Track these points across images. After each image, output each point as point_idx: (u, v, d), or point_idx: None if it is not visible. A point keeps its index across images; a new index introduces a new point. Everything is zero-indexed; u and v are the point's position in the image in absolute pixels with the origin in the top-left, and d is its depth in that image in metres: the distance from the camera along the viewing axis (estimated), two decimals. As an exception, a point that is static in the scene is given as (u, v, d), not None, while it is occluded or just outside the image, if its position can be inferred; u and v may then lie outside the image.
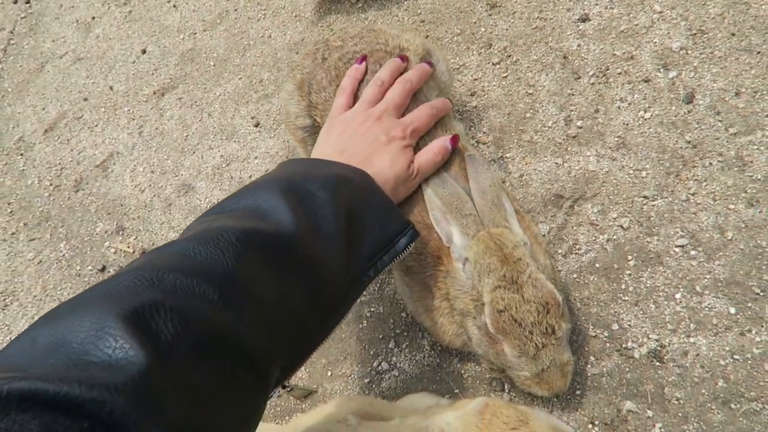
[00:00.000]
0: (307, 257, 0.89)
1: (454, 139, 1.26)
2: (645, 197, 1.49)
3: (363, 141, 1.16)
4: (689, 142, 1.53)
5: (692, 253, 1.40)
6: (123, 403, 0.55)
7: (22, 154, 2.37)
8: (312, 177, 0.98)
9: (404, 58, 1.36)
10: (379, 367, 1.49)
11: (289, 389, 1.01)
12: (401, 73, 1.32)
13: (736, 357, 1.28)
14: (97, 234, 2.02)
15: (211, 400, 0.70)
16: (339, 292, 0.95)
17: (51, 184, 2.21)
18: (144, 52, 2.45)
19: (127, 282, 0.71)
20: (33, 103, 2.54)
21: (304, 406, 1.49)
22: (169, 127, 2.18)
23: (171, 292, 0.71)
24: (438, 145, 1.23)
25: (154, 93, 2.32)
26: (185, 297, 0.72)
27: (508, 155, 1.67)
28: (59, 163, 2.26)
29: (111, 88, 2.43)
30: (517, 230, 1.22)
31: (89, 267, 1.95)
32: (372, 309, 1.57)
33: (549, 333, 1.13)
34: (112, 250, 1.97)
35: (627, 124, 1.61)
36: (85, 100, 2.45)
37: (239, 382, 0.75)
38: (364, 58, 1.36)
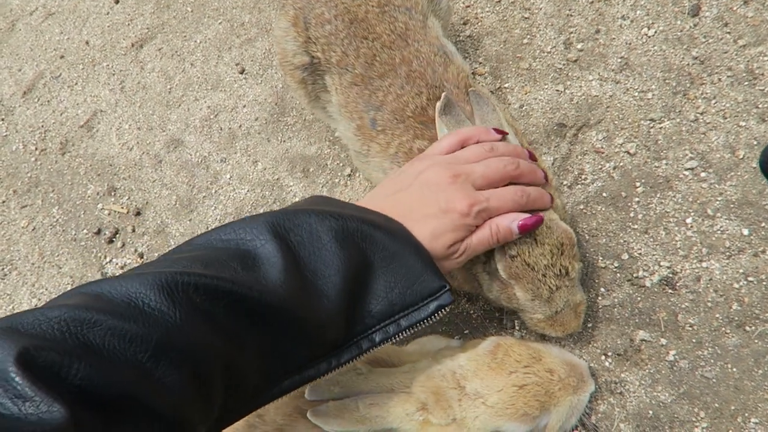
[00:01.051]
0: (284, 317, 0.78)
1: (532, 221, 1.03)
2: (652, 120, 1.43)
3: (420, 193, 0.99)
4: (696, 58, 1.45)
5: (702, 175, 1.35)
6: None
7: (2, 119, 2.29)
8: (324, 217, 0.87)
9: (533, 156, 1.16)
10: (387, 313, 1.47)
11: None
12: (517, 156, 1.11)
13: (750, 279, 1.25)
14: (88, 197, 1.97)
15: None
16: (316, 353, 0.86)
17: (36, 149, 2.14)
18: (117, 1, 2.33)
19: (49, 328, 0.62)
20: (8, 65, 2.43)
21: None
22: (152, 80, 2.09)
23: (95, 346, 0.62)
24: (501, 225, 1.01)
25: (132, 45, 2.21)
26: (109, 353, 0.63)
27: (506, 85, 1.59)
28: (42, 126, 2.18)
29: (87, 43, 2.32)
30: None
31: (84, 231, 1.91)
32: (375, 254, 1.54)
33: (563, 275, 1.10)
34: (106, 212, 1.92)
35: (630, 44, 1.52)
36: (62, 57, 2.34)
37: None
38: (502, 133, 1.14)
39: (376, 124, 1.28)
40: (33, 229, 1.99)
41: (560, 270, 1.10)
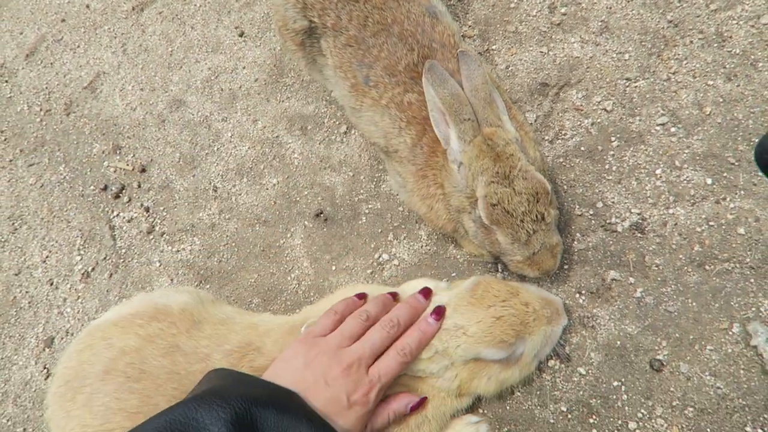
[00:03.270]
0: None
1: (421, 403, 1.21)
2: (627, 79, 1.53)
3: (323, 393, 1.06)
4: (671, 22, 1.55)
5: (672, 129, 1.47)
6: None
7: (6, 81, 2.36)
8: (214, 406, 0.89)
9: (394, 296, 1.31)
10: (380, 258, 1.58)
11: None
12: (387, 310, 1.25)
13: (711, 224, 1.38)
14: (94, 155, 2.05)
15: None
16: None
17: (41, 109, 2.22)
18: (117, -34, 2.38)
19: None
20: (9, 28, 2.49)
21: (312, 298, 1.60)
22: (153, 43, 2.17)
23: None
24: (397, 410, 1.17)
25: (133, 9, 2.28)
26: None
27: (494, 47, 1.69)
28: (46, 88, 2.25)
29: (87, 6, 2.38)
30: (509, 127, 1.27)
31: (91, 187, 2.00)
32: (370, 206, 1.65)
33: (539, 220, 1.23)
34: (112, 169, 2.01)
35: (610, 8, 1.62)
36: (63, 21, 2.40)
37: None
38: (363, 296, 1.30)
39: (369, 80, 1.38)
40: (41, 186, 2.07)
41: (536, 215, 1.23)
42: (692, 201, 1.40)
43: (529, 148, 1.33)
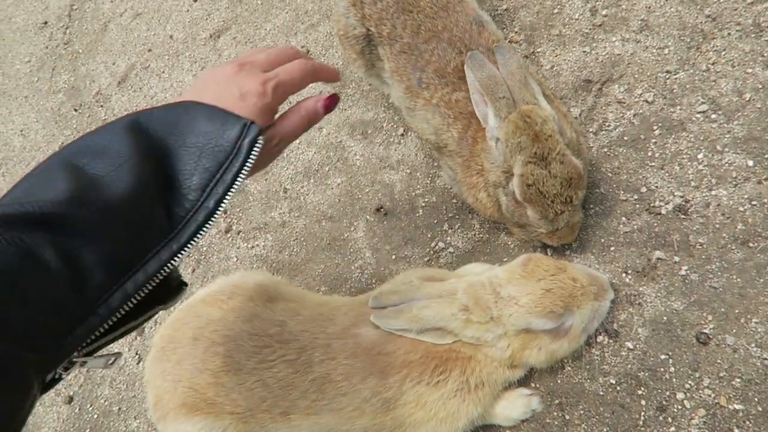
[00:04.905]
0: (78, 220, 0.76)
1: (330, 99, 1.00)
2: (668, 72, 1.62)
3: (213, 90, 0.93)
4: (708, 16, 1.63)
5: (713, 116, 1.53)
6: None
7: (102, 106, 2.66)
8: (98, 130, 0.84)
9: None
10: (436, 247, 1.71)
11: (81, 364, 0.85)
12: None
13: (754, 203, 1.43)
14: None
15: None
16: (139, 244, 0.82)
17: (132, 129, 2.49)
18: (196, 0, 2.66)
19: None
20: (104, 60, 2.81)
21: (374, 285, 1.74)
22: (228, 65, 2.40)
23: None
24: (305, 107, 0.98)
25: (210, 36, 2.54)
26: None
27: (539, 50, 1.81)
28: (136, 109, 2.53)
29: (171, 36, 2.66)
30: (545, 105, 1.39)
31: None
32: (426, 200, 1.79)
33: (567, 202, 1.36)
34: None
35: (649, 7, 1.71)
36: (149, 51, 2.69)
37: None
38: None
39: (422, 82, 1.53)
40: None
41: (566, 198, 1.35)
42: (734, 182, 1.46)
43: (566, 129, 1.43)
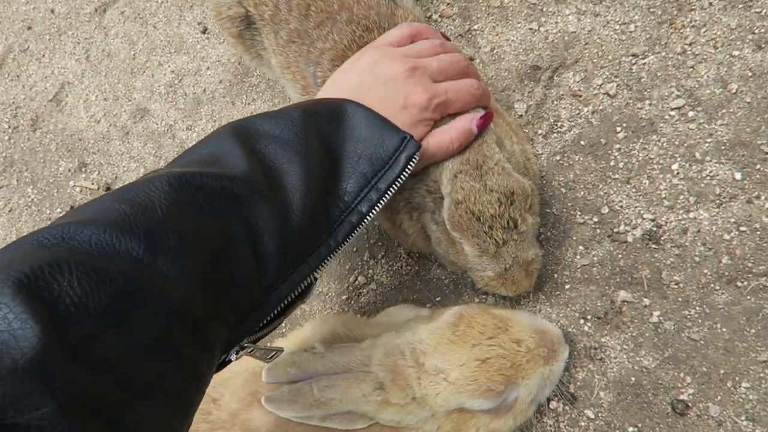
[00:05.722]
0: (262, 201, 0.78)
1: (485, 118, 1.02)
2: (634, 55, 1.28)
3: (378, 91, 0.97)
4: (685, -19, 1.28)
5: (690, 114, 1.21)
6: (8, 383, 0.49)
7: (-26, 100, 2.24)
8: (271, 116, 0.88)
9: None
10: (356, 282, 1.39)
11: (250, 350, 0.87)
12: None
13: (742, 229, 1.13)
14: (61, 174, 1.91)
15: (132, 369, 0.61)
16: (306, 237, 0.84)
17: (9, 127, 2.09)
18: (78, -35, 2.21)
19: (30, 243, 0.63)
20: (-23, 41, 2.36)
21: (284, 330, 1.42)
22: (116, 47, 2.00)
23: (81, 249, 0.62)
24: (458, 127, 0.99)
25: (96, 10, 2.11)
26: (100, 252, 0.63)
27: (476, 27, 1.45)
28: (13, 103, 2.12)
29: (52, 11, 2.22)
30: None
31: (58, 209, 1.87)
32: (343, 220, 1.45)
33: (510, 228, 1.00)
34: (78, 189, 1.87)
35: (611, -31, 1.36)
36: (29, 28, 2.25)
37: (172, 345, 0.65)
38: (446, 37, 1.14)
39: (317, 77, 1.17)
40: (10, 210, 1.95)
41: (508, 222, 1.00)
42: (718, 201, 1.15)
43: (505, 139, 1.10)
